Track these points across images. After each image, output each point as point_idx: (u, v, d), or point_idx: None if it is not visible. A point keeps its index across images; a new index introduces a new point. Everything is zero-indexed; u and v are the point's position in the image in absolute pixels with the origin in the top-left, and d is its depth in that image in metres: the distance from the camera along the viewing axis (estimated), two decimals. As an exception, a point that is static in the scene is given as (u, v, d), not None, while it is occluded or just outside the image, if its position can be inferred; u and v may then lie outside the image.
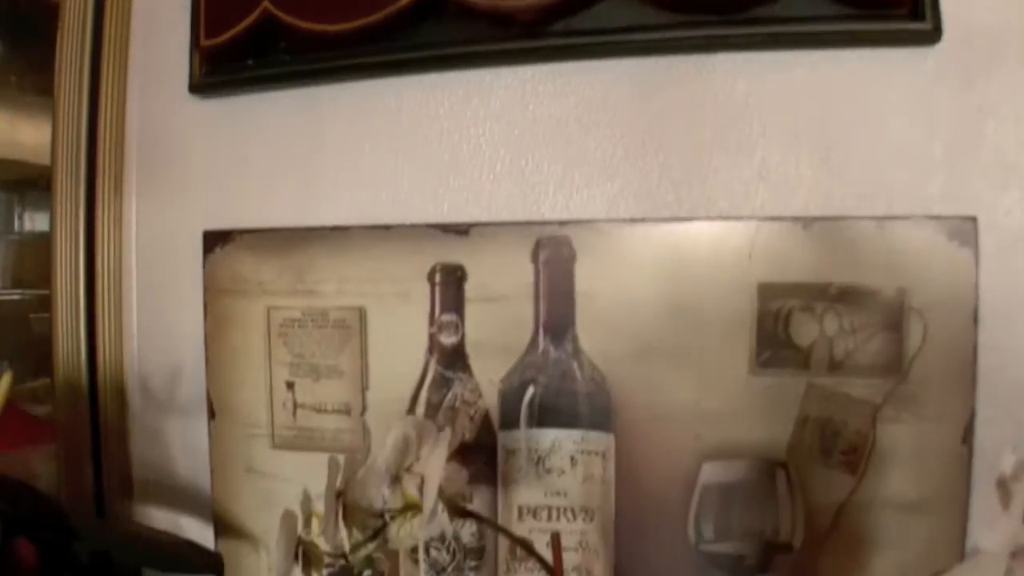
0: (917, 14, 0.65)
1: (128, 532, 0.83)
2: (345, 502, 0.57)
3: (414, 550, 0.75)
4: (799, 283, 0.67)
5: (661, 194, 0.71)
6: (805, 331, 0.67)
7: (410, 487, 0.57)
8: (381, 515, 0.57)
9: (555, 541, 0.58)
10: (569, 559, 0.69)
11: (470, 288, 0.74)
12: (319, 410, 0.79)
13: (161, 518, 0.87)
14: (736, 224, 0.68)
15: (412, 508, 0.57)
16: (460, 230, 0.74)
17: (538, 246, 0.72)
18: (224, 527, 0.83)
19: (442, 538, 0.74)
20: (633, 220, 0.71)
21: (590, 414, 0.71)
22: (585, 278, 0.71)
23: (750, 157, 0.69)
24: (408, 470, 0.57)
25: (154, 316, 0.88)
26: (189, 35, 0.82)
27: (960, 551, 0.64)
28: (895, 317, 0.66)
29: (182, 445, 0.86)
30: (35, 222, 1.39)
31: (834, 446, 0.67)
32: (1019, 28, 0.65)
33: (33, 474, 0.87)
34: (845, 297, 0.66)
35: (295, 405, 0.80)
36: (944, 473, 0.65)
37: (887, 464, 0.66)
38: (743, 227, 0.68)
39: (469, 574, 0.74)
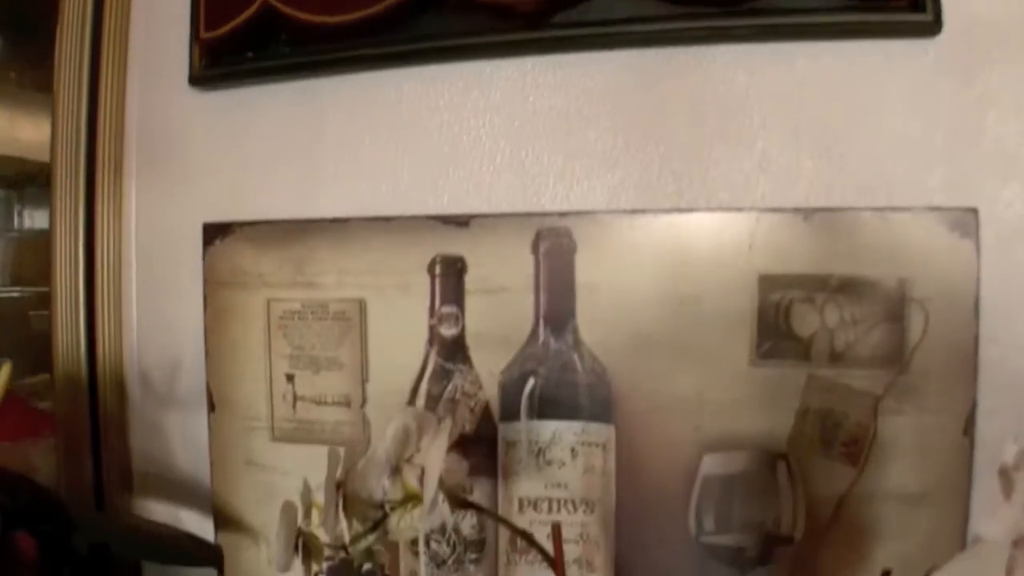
0: (917, 5, 0.65)
1: (128, 525, 0.83)
2: (345, 493, 0.57)
3: (414, 542, 0.75)
4: (800, 274, 0.67)
5: (661, 185, 0.71)
6: (806, 322, 0.67)
7: (410, 478, 0.57)
8: (381, 506, 0.57)
9: (556, 532, 0.58)
10: (570, 551, 0.69)
11: (470, 280, 0.74)
12: (319, 402, 0.79)
13: (161, 511, 0.87)
14: (737, 215, 0.68)
15: (412, 499, 0.57)
16: (460, 222, 0.74)
17: (538, 237, 0.72)
18: (224, 520, 0.83)
19: (442, 530, 0.74)
20: (634, 211, 0.71)
21: (590, 406, 0.71)
22: (585, 269, 0.71)
23: (751, 148, 0.69)
24: (408, 461, 0.57)
25: (154, 309, 0.88)
26: (189, 28, 0.82)
27: (961, 543, 0.64)
28: (896, 308, 0.65)
29: (182, 438, 0.86)
30: (34, 219, 1.39)
31: (835, 437, 0.67)
32: (1019, 19, 0.65)
33: (32, 467, 0.87)
34: (846, 288, 0.66)
35: (295, 397, 0.80)
36: (945, 465, 0.65)
37: (888, 456, 0.66)
38: (744, 218, 0.68)
39: (469, 567, 0.74)
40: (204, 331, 0.84)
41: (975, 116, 0.65)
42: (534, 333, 0.72)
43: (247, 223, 0.82)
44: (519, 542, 0.72)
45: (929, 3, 0.64)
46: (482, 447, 0.73)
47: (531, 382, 0.72)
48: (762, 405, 0.68)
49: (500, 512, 0.72)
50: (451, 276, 0.74)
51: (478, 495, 0.72)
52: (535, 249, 0.72)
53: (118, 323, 0.88)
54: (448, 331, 0.74)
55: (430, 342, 0.75)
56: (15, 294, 1.32)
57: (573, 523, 0.70)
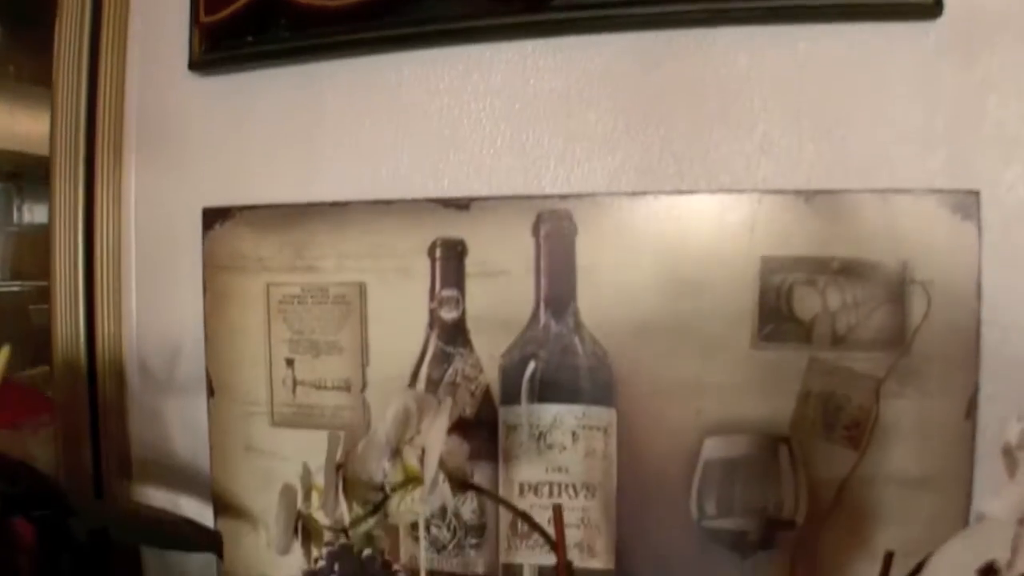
0: (918, -13, 0.65)
1: (126, 510, 0.83)
2: (345, 475, 0.57)
3: (414, 527, 0.75)
4: (801, 257, 0.67)
5: (663, 168, 0.71)
6: (807, 305, 0.67)
7: (411, 458, 0.56)
8: (381, 488, 0.57)
9: (557, 513, 0.58)
10: (571, 535, 0.68)
11: (471, 263, 0.74)
12: (319, 387, 0.79)
13: (160, 497, 0.86)
14: (738, 198, 0.68)
15: (413, 481, 0.57)
16: (461, 205, 0.74)
17: (539, 220, 0.72)
18: (223, 506, 0.83)
19: (443, 515, 0.74)
20: (634, 194, 0.70)
21: (591, 389, 0.71)
22: (586, 252, 0.71)
23: (751, 131, 0.69)
24: (409, 443, 0.57)
25: (153, 295, 0.88)
26: (188, 12, 0.82)
27: (964, 526, 0.64)
28: (897, 291, 0.65)
29: (181, 424, 0.86)
30: (34, 214, 1.39)
31: (837, 421, 0.66)
32: (1020, 2, 0.65)
33: (31, 456, 0.87)
34: (847, 271, 0.66)
35: (295, 382, 0.79)
36: (947, 448, 0.64)
37: (890, 439, 0.65)
38: (745, 201, 0.68)
39: (470, 551, 0.74)
40: (204, 316, 0.83)
41: (976, 99, 0.65)
42: (535, 316, 0.72)
43: (247, 207, 0.81)
44: (520, 526, 0.72)
45: (930, -15, 0.64)
46: (482, 431, 0.73)
47: (532, 365, 0.72)
48: (764, 388, 0.67)
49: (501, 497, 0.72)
50: (451, 259, 0.74)
51: (479, 479, 0.72)
52: (536, 232, 0.72)
53: (117, 309, 0.88)
54: (448, 314, 0.74)
55: (430, 326, 0.75)
56: (15, 288, 1.33)
57: (574, 507, 0.70)
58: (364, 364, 0.77)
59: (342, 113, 0.79)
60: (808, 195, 0.67)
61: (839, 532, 0.66)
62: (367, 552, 0.71)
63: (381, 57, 0.77)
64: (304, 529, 0.60)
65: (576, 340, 0.71)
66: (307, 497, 0.59)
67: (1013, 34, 0.65)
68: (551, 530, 0.58)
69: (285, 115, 0.81)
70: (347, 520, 0.58)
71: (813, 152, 0.68)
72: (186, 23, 0.82)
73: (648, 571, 0.70)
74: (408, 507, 0.57)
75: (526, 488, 0.71)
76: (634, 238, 0.70)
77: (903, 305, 0.65)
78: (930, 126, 0.66)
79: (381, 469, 0.57)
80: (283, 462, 0.79)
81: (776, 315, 0.67)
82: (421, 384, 0.74)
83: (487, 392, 0.74)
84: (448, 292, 0.74)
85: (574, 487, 0.70)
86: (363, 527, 0.58)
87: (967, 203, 0.64)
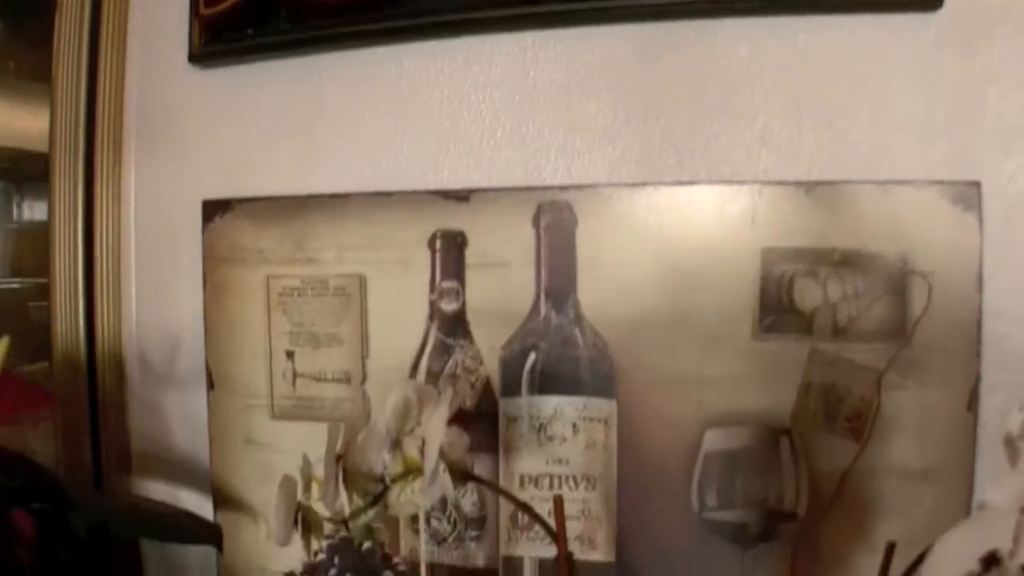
0: (919, -21, 0.65)
1: (126, 503, 0.83)
2: (345, 466, 0.57)
3: (414, 519, 0.75)
4: (802, 248, 0.67)
5: (663, 159, 0.71)
6: (808, 296, 0.67)
7: (411, 449, 0.56)
8: (382, 479, 0.57)
9: (557, 504, 0.58)
10: (571, 528, 0.68)
11: (471, 254, 0.74)
12: (319, 379, 0.79)
13: (160, 491, 0.86)
14: (739, 189, 0.68)
15: (413, 472, 0.57)
16: (461, 196, 0.74)
17: (539, 211, 0.72)
18: (223, 499, 0.83)
19: (443, 507, 0.74)
20: (635, 185, 0.70)
21: (592, 380, 0.71)
22: (586, 243, 0.71)
23: (752, 122, 0.69)
24: (409, 433, 0.57)
25: (153, 288, 0.88)
26: (188, 5, 0.82)
27: (966, 518, 0.64)
28: (898, 282, 0.65)
29: (181, 417, 0.86)
30: (34, 211, 1.39)
31: (838, 412, 0.66)
32: (1021, -6, 0.65)
33: (31, 451, 0.87)
34: (848, 262, 0.66)
35: (295, 374, 0.79)
36: (949, 440, 0.64)
37: (892, 431, 0.65)
38: (746, 192, 0.68)
39: (470, 544, 0.74)
40: (203, 309, 0.83)
41: (977, 90, 0.65)
42: (535, 308, 0.72)
43: (247, 199, 0.81)
44: (520, 519, 0.71)
45: (930, -23, 0.64)
46: (483, 423, 0.73)
47: (532, 357, 0.72)
48: (765, 380, 0.67)
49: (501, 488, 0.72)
50: (451, 251, 0.74)
51: (479, 471, 0.72)
52: (536, 223, 0.72)
53: (117, 303, 0.88)
54: (448, 306, 0.74)
55: (430, 317, 0.75)
56: (15, 285, 1.33)
57: (575, 499, 0.70)
58: (364, 356, 0.77)
59: (342, 105, 0.79)
60: (809, 186, 0.67)
61: (840, 524, 0.66)
62: (367, 545, 0.70)
63: (381, 49, 0.77)
64: (304, 521, 0.60)
65: (576, 331, 0.71)
66: (307, 488, 0.59)
67: (1013, 25, 0.65)
68: (552, 522, 0.58)
69: (285, 107, 0.81)
70: (347, 511, 0.58)
71: (814, 143, 0.68)
72: (186, 16, 0.82)
73: (649, 563, 0.70)
74: (408, 498, 0.57)
75: (526, 480, 0.71)
76: (634, 229, 0.70)
77: (904, 296, 0.65)
78: (931, 117, 0.66)
79: (381, 460, 0.56)
80: (283, 455, 0.79)
81: (777, 306, 0.67)
82: (421, 376, 0.74)
83: (487, 384, 0.73)
84: (448, 284, 0.74)
85: (574, 479, 0.70)
86: (363, 519, 0.58)
87: (968, 194, 0.64)
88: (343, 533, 0.64)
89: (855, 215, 0.66)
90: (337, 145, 0.79)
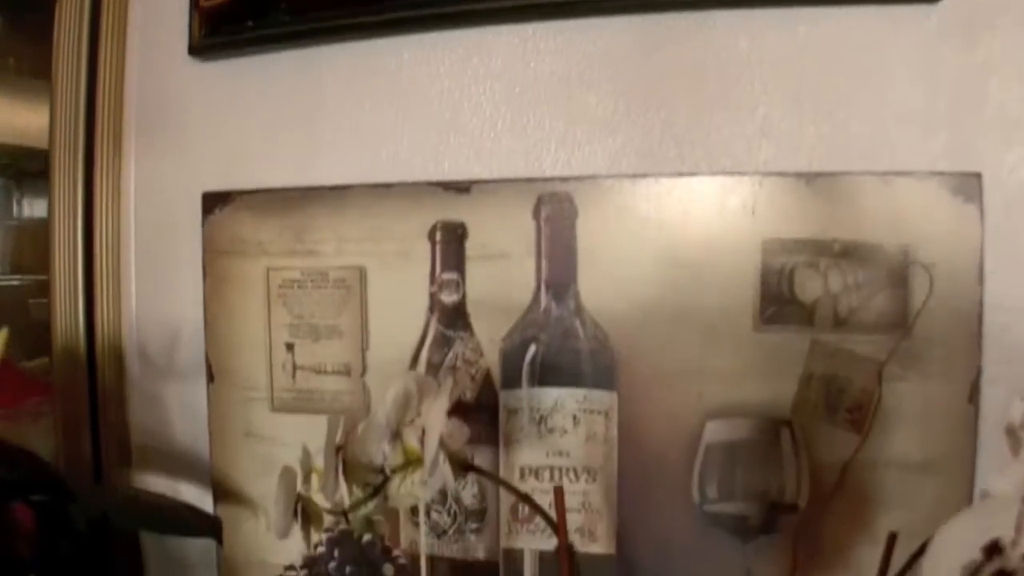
0: (920, -30, 0.64)
1: (126, 495, 0.82)
2: (345, 457, 0.57)
3: (414, 512, 0.75)
4: (803, 239, 0.67)
5: (663, 150, 0.71)
6: (809, 287, 0.67)
7: (411, 439, 0.56)
8: (381, 470, 0.57)
9: (558, 494, 0.58)
10: (572, 520, 0.68)
11: (471, 246, 0.74)
12: (319, 371, 0.78)
13: (160, 484, 0.86)
14: (740, 180, 0.68)
15: (413, 463, 0.56)
16: (461, 187, 0.74)
17: (540, 203, 0.72)
18: (223, 492, 0.83)
19: (443, 500, 0.74)
20: (635, 176, 0.70)
21: (592, 372, 0.71)
22: (587, 235, 0.71)
23: (752, 114, 0.69)
24: (409, 424, 0.57)
25: (153, 281, 0.88)
26: (189, -3, 0.82)
27: (967, 510, 0.64)
28: (899, 273, 0.65)
29: (180, 409, 0.86)
30: (34, 208, 1.39)
31: (839, 404, 0.66)
32: (1022, -15, 0.65)
33: (31, 446, 0.87)
34: (849, 253, 0.66)
35: (295, 367, 0.79)
36: (950, 432, 0.64)
37: (893, 422, 0.65)
38: (746, 183, 0.67)
39: (470, 536, 0.74)
40: (203, 302, 0.83)
41: (978, 81, 0.65)
42: (535, 299, 0.72)
43: (247, 192, 0.81)
44: (521, 511, 0.71)
45: (931, -32, 0.64)
46: (483, 415, 0.73)
47: (532, 349, 0.72)
48: (765, 371, 0.67)
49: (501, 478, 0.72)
50: (452, 242, 0.74)
51: (479, 464, 0.71)
52: (536, 214, 0.72)
53: (116, 296, 0.88)
54: (449, 298, 0.74)
55: (431, 309, 0.75)
56: (15, 282, 1.32)
57: (575, 491, 0.70)
58: (364, 348, 0.77)
59: (342, 97, 0.79)
60: (809, 178, 0.67)
61: (841, 516, 0.66)
62: (367, 537, 0.70)
63: (381, 41, 0.77)
64: (304, 512, 0.60)
65: (577, 323, 0.71)
66: (307, 479, 0.59)
67: (1014, 17, 0.64)
68: (552, 513, 0.58)
69: (285, 99, 0.81)
70: (347, 503, 0.58)
71: (814, 135, 0.68)
72: (186, 8, 0.82)
73: (649, 556, 0.70)
74: (408, 490, 0.57)
75: (527, 472, 0.71)
76: (635, 221, 0.70)
77: (905, 288, 0.65)
78: (931, 109, 0.66)
79: (381, 451, 0.56)
80: (283, 447, 0.79)
81: (778, 298, 0.67)
82: (421, 368, 0.74)
83: (487, 376, 0.73)
84: (448, 275, 0.74)
85: (575, 471, 0.70)
86: (363, 510, 0.58)
87: (969, 186, 0.64)
88: (343, 526, 0.63)
89: (856, 206, 0.66)
90: (337, 137, 0.79)
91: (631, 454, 0.70)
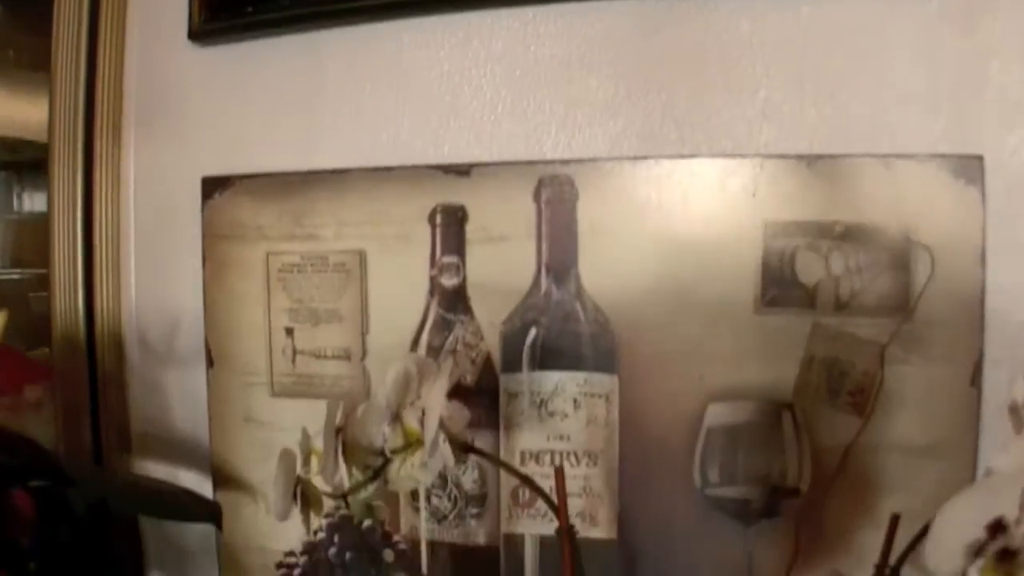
0: (921, -50, 0.64)
1: (125, 481, 0.82)
2: (345, 439, 0.57)
3: (414, 497, 0.74)
4: (804, 221, 0.66)
5: (664, 133, 0.70)
6: (811, 270, 0.66)
7: (411, 420, 0.56)
8: (381, 453, 0.56)
9: (558, 475, 0.57)
10: (573, 505, 0.67)
11: (471, 229, 0.73)
12: (319, 356, 0.78)
13: (160, 470, 0.86)
14: (741, 162, 0.67)
15: (413, 444, 0.56)
16: (461, 170, 0.74)
17: (540, 185, 0.71)
18: (223, 478, 0.83)
19: (443, 485, 0.73)
20: (636, 158, 0.70)
21: (593, 356, 0.70)
22: (588, 217, 0.71)
23: (753, 96, 0.68)
24: (409, 406, 0.56)
25: (152, 266, 0.88)
26: (188, -19, 0.82)
27: (969, 493, 0.64)
28: (901, 256, 0.65)
29: (180, 395, 0.86)
30: (34, 201, 1.39)
31: (841, 387, 0.66)
32: (1023, -32, 0.64)
33: (31, 435, 0.87)
34: (850, 235, 0.65)
35: (294, 351, 0.79)
36: (953, 415, 0.64)
37: (895, 405, 0.65)
38: (748, 165, 0.67)
39: (470, 521, 0.74)
40: (203, 286, 0.83)
41: (979, 64, 0.64)
42: (536, 282, 0.72)
43: (246, 176, 0.81)
44: (521, 495, 0.71)
45: (932, -51, 0.64)
46: (483, 399, 0.72)
47: (533, 332, 0.71)
48: (767, 354, 0.67)
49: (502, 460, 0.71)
50: (452, 226, 0.73)
51: (480, 447, 0.71)
52: (537, 197, 0.71)
53: (116, 281, 0.88)
54: (449, 281, 0.74)
55: (431, 293, 0.74)
56: (15, 276, 1.32)
57: (576, 476, 0.69)
58: (364, 332, 0.77)
59: (342, 81, 0.79)
60: (810, 160, 0.66)
61: (843, 499, 0.65)
62: (367, 523, 0.70)
63: (381, 24, 0.77)
64: (303, 495, 0.59)
65: (578, 306, 0.70)
66: (306, 462, 0.59)
67: (1015, 0, 0.64)
68: (553, 496, 0.58)
69: (285, 83, 0.81)
70: (347, 486, 0.58)
71: (815, 117, 0.67)
72: (186, -7, 0.82)
73: (650, 540, 0.70)
74: (408, 472, 0.56)
75: (527, 456, 0.71)
76: (636, 204, 0.69)
77: (907, 270, 0.64)
78: (933, 91, 0.65)
79: (381, 433, 0.56)
80: (283, 432, 0.78)
81: (779, 280, 0.67)
82: (422, 351, 0.74)
83: (488, 359, 0.73)
84: (449, 259, 0.74)
85: (576, 455, 0.70)
86: (363, 494, 0.58)
87: (970, 168, 0.63)
88: (343, 511, 0.63)
89: (857, 189, 0.65)
90: (337, 121, 0.79)
91: (632, 438, 0.70)
